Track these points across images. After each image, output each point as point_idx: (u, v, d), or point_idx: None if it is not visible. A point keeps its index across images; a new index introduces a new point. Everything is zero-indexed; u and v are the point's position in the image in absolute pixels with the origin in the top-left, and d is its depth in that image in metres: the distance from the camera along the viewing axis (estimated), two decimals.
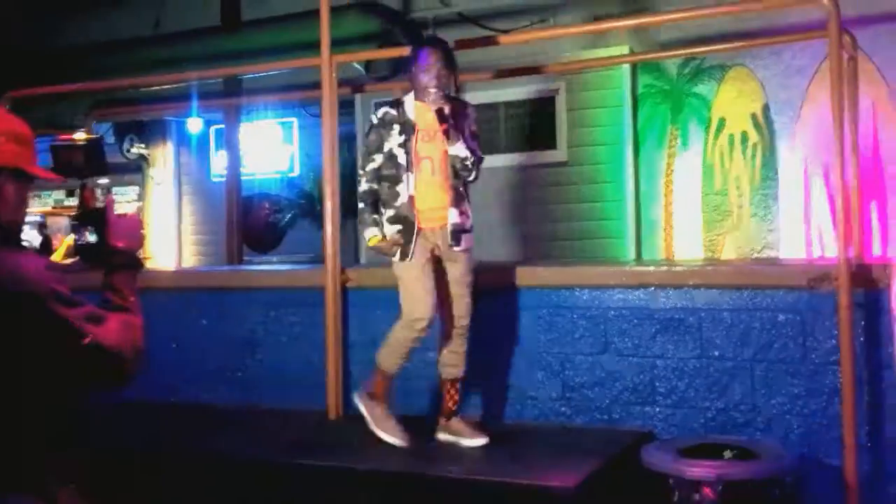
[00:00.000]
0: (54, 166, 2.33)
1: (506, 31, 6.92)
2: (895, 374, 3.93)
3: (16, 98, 5.57)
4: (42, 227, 9.68)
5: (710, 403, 4.17)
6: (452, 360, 4.02)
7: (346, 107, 6.84)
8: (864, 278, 3.92)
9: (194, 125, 9.86)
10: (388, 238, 3.93)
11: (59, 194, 10.96)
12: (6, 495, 1.88)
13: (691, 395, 4.20)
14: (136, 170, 10.41)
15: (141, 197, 10.51)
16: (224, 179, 8.82)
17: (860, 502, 3.75)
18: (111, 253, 2.19)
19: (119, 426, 4.38)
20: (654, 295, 4.28)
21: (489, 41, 5.17)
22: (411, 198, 3.90)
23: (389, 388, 4.05)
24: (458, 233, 3.92)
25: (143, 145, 10.30)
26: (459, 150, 3.84)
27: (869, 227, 6.18)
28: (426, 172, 3.91)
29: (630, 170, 7.13)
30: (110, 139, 9.96)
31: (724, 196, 6.92)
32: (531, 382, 4.47)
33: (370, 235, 3.97)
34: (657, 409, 4.26)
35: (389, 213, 3.94)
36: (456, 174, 3.91)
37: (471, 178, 3.93)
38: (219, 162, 9.77)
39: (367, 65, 7.45)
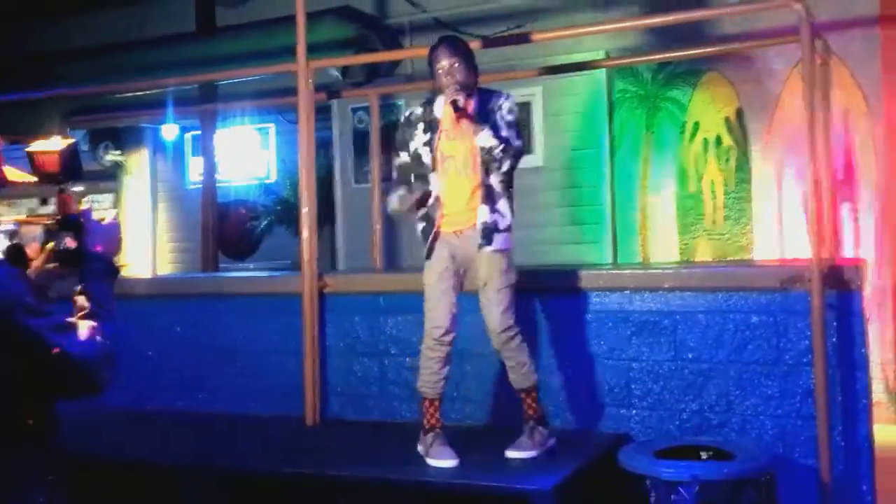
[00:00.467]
0: (31, 172, 2.30)
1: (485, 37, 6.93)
2: (867, 374, 3.98)
3: None
4: (13, 234, 9.53)
5: (685, 405, 4.19)
6: (512, 374, 3.86)
7: (322, 112, 6.85)
8: (837, 279, 3.96)
9: (170, 132, 9.79)
10: (403, 199, 3.82)
11: (32, 202, 10.84)
12: None
13: (667, 397, 4.23)
14: (111, 177, 10.31)
15: (116, 204, 10.40)
16: (200, 186, 8.78)
17: (834, 501, 3.80)
18: (89, 258, 2.17)
19: (93, 433, 4.33)
20: (630, 298, 4.31)
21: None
22: (437, 198, 3.82)
23: (436, 413, 3.84)
24: (488, 231, 3.74)
25: (118, 152, 10.20)
26: (484, 139, 3.67)
27: (841, 229, 6.25)
28: (451, 171, 3.81)
29: (607, 174, 7.18)
30: (85, 146, 9.86)
31: (699, 199, 6.98)
32: (504, 387, 4.46)
33: (389, 199, 3.88)
34: (633, 412, 4.28)
35: (422, 210, 3.86)
36: (486, 169, 3.75)
37: (503, 169, 3.72)
38: (195, 168, 9.71)
39: (344, 70, 7.46)
